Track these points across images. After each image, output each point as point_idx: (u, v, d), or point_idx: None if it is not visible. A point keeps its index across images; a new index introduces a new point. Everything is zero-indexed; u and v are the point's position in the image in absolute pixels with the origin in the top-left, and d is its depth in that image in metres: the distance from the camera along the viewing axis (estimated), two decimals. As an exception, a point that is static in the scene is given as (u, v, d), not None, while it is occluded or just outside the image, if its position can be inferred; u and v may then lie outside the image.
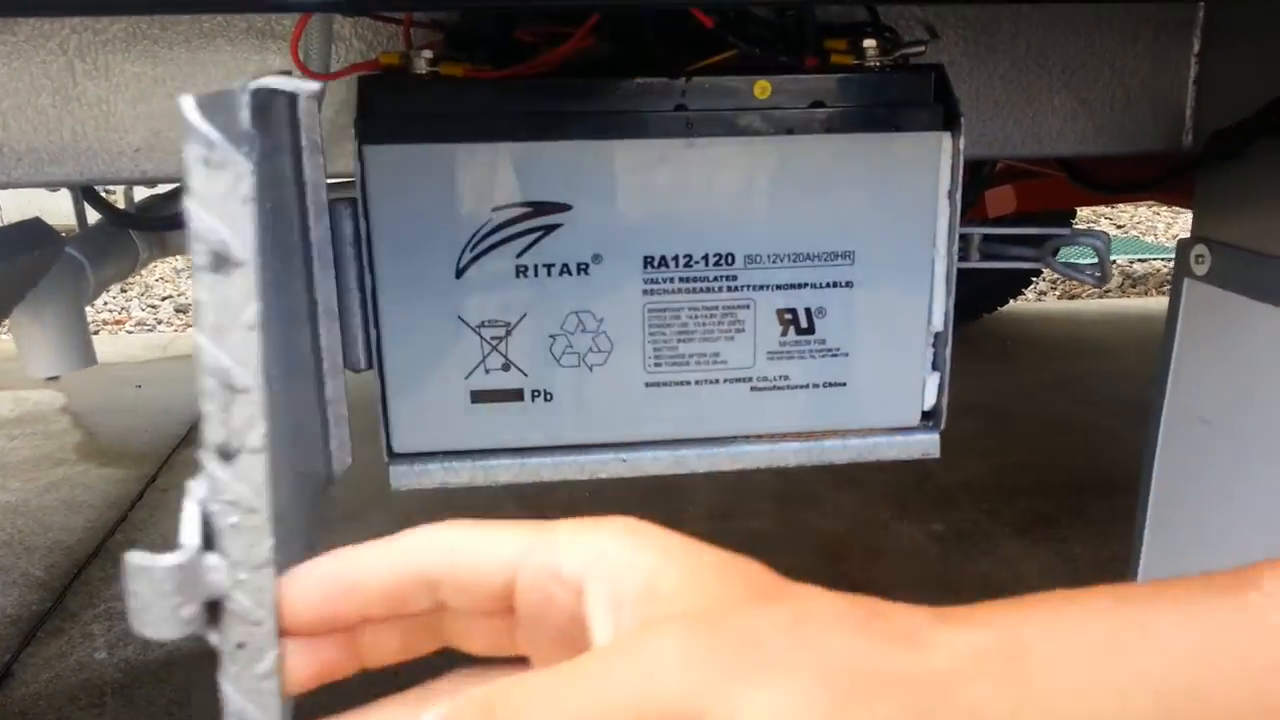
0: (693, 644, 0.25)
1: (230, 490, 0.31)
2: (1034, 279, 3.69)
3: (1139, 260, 4.38)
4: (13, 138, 0.87)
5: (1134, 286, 4.00)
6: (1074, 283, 4.15)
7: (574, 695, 0.24)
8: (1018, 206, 2.66)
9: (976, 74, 1.00)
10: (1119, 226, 5.10)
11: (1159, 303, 3.59)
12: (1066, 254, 0.97)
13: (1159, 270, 4.22)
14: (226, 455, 0.31)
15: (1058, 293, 3.87)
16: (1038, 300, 3.83)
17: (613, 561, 0.28)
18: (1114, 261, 4.43)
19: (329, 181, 0.76)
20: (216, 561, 0.29)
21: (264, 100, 0.49)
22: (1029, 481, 2.06)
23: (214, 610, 0.29)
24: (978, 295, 3.01)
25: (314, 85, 0.51)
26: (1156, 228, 5.05)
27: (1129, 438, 2.43)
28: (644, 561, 0.28)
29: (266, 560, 0.30)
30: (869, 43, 0.78)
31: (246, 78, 0.49)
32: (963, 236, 0.81)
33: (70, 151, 0.87)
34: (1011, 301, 3.51)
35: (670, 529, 0.29)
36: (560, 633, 0.28)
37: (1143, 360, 2.83)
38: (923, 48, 0.80)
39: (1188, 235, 1.02)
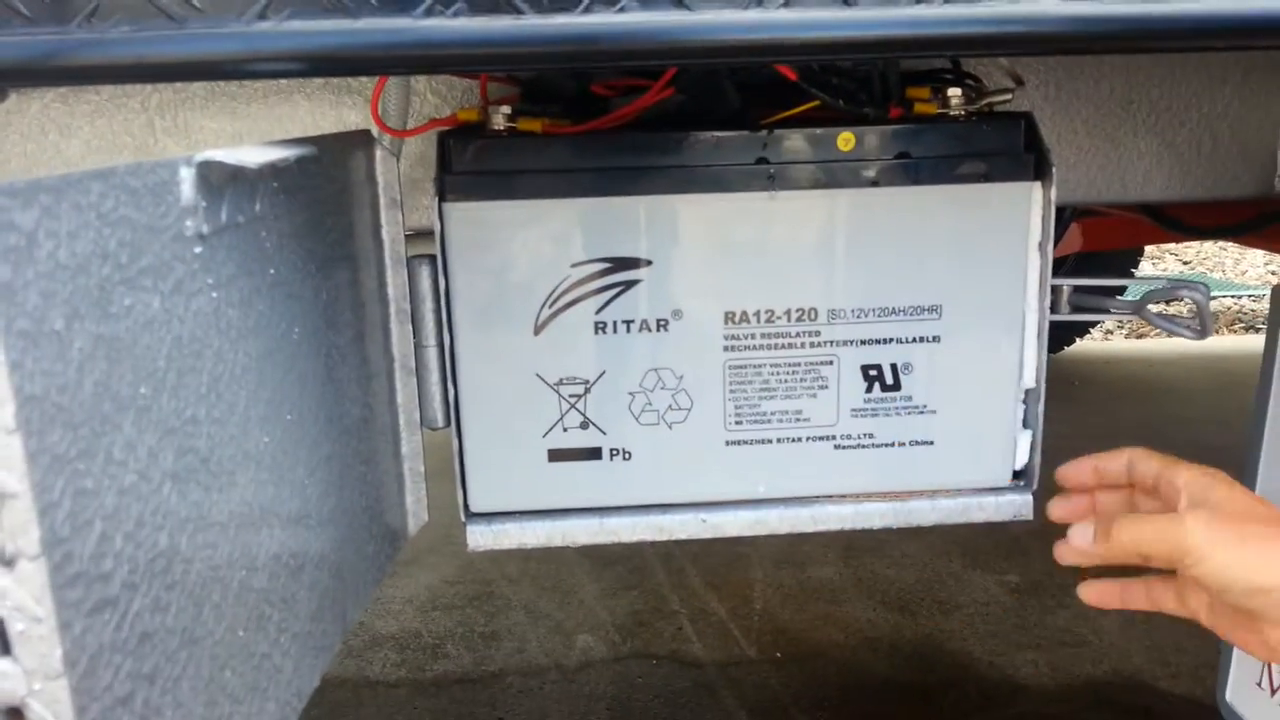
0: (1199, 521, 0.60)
1: (12, 596, 0.30)
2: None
3: (1207, 298, 4.27)
4: (96, 196, 0.88)
5: (1203, 325, 3.89)
6: (1144, 323, 4.06)
7: (1145, 527, 0.61)
8: (1084, 245, 2.61)
9: (1060, 119, 0.97)
10: (1185, 263, 4.99)
11: (1230, 342, 3.49)
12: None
13: (1229, 308, 4.11)
14: (6, 561, 0.30)
15: (1125, 331, 3.78)
16: (1105, 339, 3.74)
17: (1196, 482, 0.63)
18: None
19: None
20: (10, 668, 0.28)
21: (226, 171, 0.48)
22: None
23: (16, 717, 0.28)
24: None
25: (256, 161, 0.51)
26: (1224, 264, 4.93)
27: (1206, 484, 2.35)
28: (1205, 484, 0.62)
29: (59, 672, 0.29)
30: (953, 91, 0.76)
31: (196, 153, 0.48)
32: (1053, 288, 0.79)
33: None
34: (1078, 340, 3.44)
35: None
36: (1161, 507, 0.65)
37: (1216, 403, 2.75)
38: (1009, 95, 0.78)
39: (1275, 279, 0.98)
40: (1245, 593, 0.59)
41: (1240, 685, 1.01)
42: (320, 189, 0.64)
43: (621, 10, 0.49)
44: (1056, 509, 0.68)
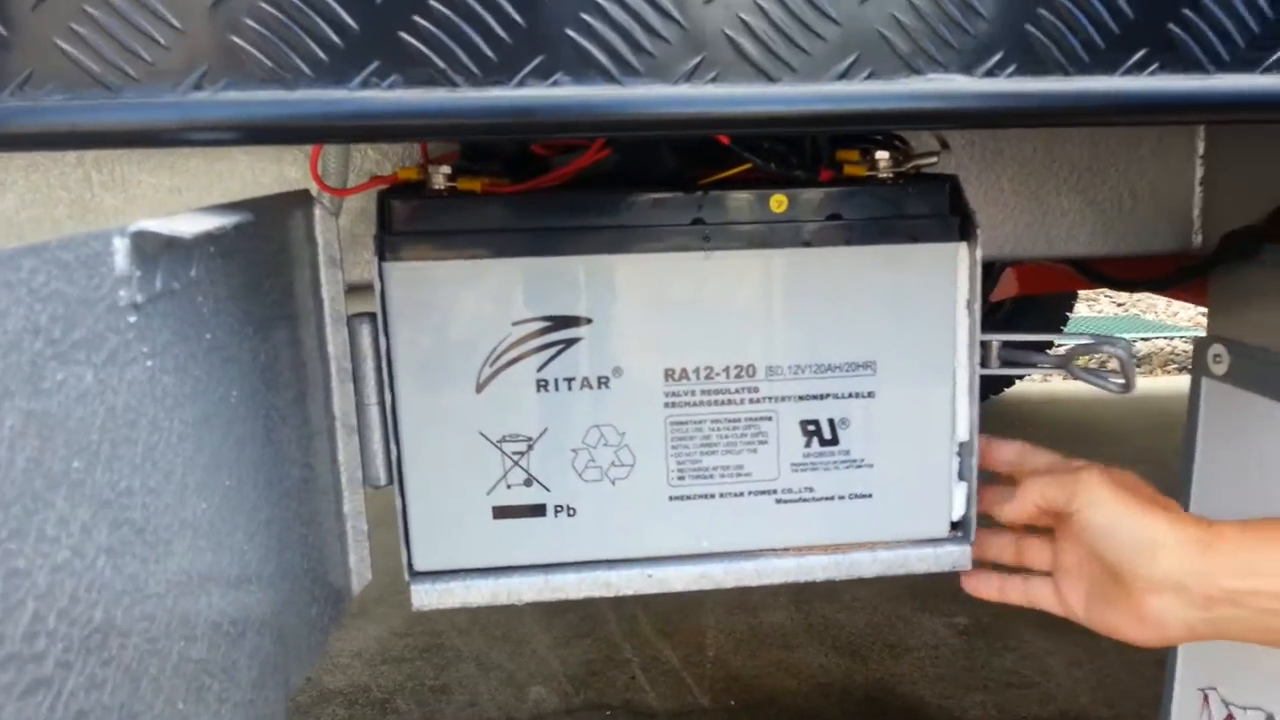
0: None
1: None
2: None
3: (1141, 339, 4.40)
4: (33, 257, 0.87)
5: (1138, 366, 4.00)
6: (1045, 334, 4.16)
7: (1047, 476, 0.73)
8: (1019, 289, 2.68)
9: (985, 177, 1.01)
10: (1119, 305, 5.13)
11: (1164, 383, 3.58)
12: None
13: (1161, 349, 4.23)
14: None
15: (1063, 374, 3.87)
16: (1045, 380, 3.82)
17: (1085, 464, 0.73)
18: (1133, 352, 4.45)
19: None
20: None
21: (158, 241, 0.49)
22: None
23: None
24: (983, 379, 3.00)
25: (191, 231, 0.51)
26: (1157, 305, 5.07)
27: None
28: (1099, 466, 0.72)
29: None
30: (881, 154, 0.79)
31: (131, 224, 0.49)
32: (982, 343, 0.81)
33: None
34: (1018, 383, 3.51)
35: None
36: None
37: (1150, 444, 2.82)
38: (935, 158, 0.81)
39: (1203, 334, 1.02)
40: (1128, 545, 0.66)
41: (1176, 726, 1.03)
42: (258, 250, 0.64)
43: (554, 84, 0.51)
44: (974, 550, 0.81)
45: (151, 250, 0.50)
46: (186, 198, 0.90)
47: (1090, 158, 1.02)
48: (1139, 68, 0.53)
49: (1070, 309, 3.12)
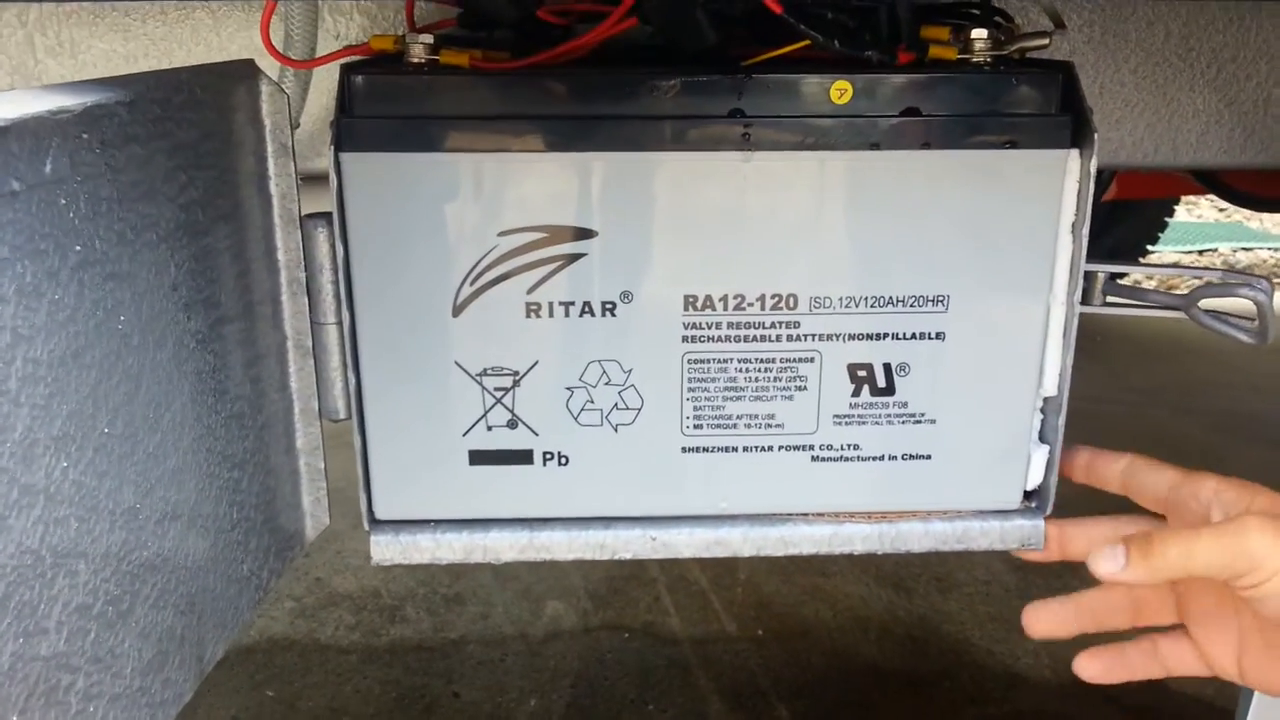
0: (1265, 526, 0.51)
1: None
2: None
3: (1243, 249, 4.09)
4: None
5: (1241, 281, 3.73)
6: (1171, 265, 3.89)
7: (1198, 538, 0.52)
8: (1117, 193, 2.44)
9: (1104, 67, 0.82)
10: (1220, 210, 4.78)
11: (1264, 299, 3.32)
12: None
13: (1265, 261, 3.94)
14: None
15: (1154, 282, 3.61)
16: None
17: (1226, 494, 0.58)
18: (1215, 250, 4.13)
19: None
20: None
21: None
22: (1116, 502, 1.88)
23: None
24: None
25: (29, 112, 0.38)
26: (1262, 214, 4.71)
27: (1232, 453, 2.21)
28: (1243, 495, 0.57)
29: None
30: (978, 33, 0.62)
31: None
32: (1086, 274, 0.65)
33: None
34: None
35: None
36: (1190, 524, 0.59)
37: (1249, 365, 2.60)
38: (1046, 40, 0.64)
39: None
40: None
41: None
42: (171, 136, 0.51)
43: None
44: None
45: (-39, 136, 0.37)
46: (142, 66, 0.76)
47: (1236, 46, 0.83)
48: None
49: (1170, 214, 2.86)
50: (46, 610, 0.42)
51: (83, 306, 0.44)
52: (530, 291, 0.61)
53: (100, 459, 0.45)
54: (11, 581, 0.40)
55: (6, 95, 0.41)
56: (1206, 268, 0.69)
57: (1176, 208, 3.01)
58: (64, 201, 0.43)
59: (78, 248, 0.44)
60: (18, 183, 0.40)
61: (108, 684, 0.46)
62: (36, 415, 0.41)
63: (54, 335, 0.42)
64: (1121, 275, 0.69)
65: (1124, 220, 2.61)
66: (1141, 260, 2.89)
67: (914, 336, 0.63)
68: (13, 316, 0.40)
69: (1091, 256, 0.64)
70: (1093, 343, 2.73)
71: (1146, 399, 2.37)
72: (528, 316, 0.61)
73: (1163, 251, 3.86)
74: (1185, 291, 0.68)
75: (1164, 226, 2.87)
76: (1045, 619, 0.65)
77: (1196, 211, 4.70)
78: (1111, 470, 0.66)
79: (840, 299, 0.62)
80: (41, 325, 0.41)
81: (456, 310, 0.61)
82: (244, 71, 0.58)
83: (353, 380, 0.61)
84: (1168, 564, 0.53)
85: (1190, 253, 4.07)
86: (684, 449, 0.65)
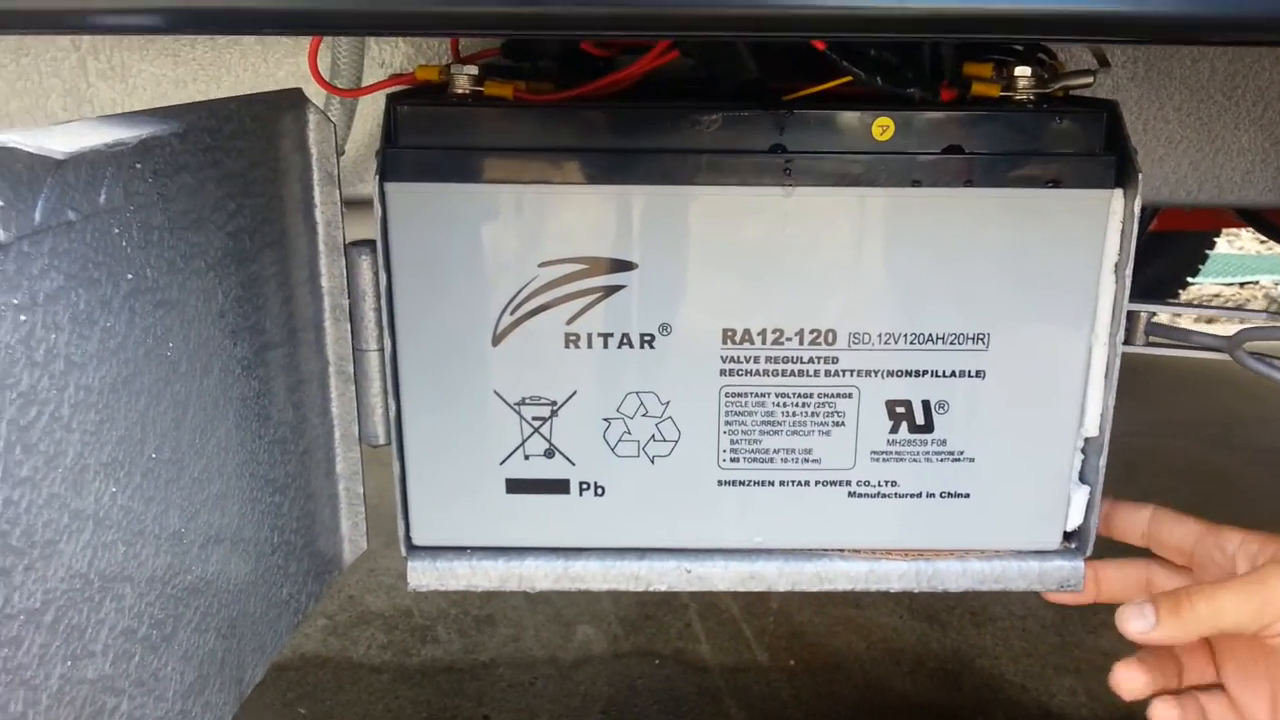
0: None
1: None
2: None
3: (1284, 281, 4.02)
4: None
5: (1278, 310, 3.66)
6: (1216, 305, 3.83)
7: (1225, 592, 0.52)
8: (1157, 225, 2.42)
9: (1147, 104, 0.82)
10: (1262, 242, 4.70)
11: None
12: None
13: (1308, 292, 3.87)
14: None
15: (1194, 315, 3.56)
16: (1174, 319, 3.53)
17: (1250, 546, 0.57)
18: (1257, 282, 4.07)
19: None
20: None
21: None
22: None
23: None
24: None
25: (67, 149, 0.38)
26: (1305, 244, 4.64)
27: (1271, 489, 2.17)
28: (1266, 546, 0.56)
29: None
30: (1021, 70, 0.62)
31: None
32: (1129, 315, 0.65)
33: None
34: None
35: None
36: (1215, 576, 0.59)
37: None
38: (1090, 79, 0.64)
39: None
40: None
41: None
42: (221, 165, 0.52)
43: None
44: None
45: (26, 172, 0.37)
46: (191, 90, 0.78)
47: (1283, 84, 0.82)
48: None
49: (1211, 246, 2.82)
50: (94, 634, 0.43)
51: (133, 334, 0.45)
52: (570, 322, 0.61)
53: (147, 484, 0.46)
54: (61, 605, 0.40)
55: (65, 128, 0.42)
56: (1252, 310, 0.68)
57: (1217, 240, 2.97)
58: (117, 230, 0.44)
59: (129, 276, 0.45)
60: (74, 213, 0.41)
61: (150, 707, 0.47)
62: (88, 441, 0.42)
63: (105, 362, 0.43)
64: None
65: (1164, 252, 2.58)
66: (1182, 298, 2.86)
67: (954, 374, 0.63)
68: (66, 344, 0.41)
69: (1133, 293, 0.63)
70: (1128, 375, 2.69)
71: (1183, 433, 2.33)
72: (566, 347, 0.62)
73: (1203, 283, 3.81)
74: (1224, 325, 0.67)
75: (1204, 259, 2.83)
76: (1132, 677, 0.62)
77: (1238, 243, 4.63)
78: (1133, 522, 0.65)
79: (879, 335, 0.62)
80: (94, 353, 0.42)
81: (496, 339, 0.61)
82: (292, 100, 0.60)
83: (393, 406, 0.62)
84: (1197, 620, 0.52)
85: (1231, 285, 4.01)
86: (720, 482, 0.65)
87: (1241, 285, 4.03)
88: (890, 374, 0.63)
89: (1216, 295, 3.99)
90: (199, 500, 0.50)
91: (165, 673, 0.48)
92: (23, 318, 0.38)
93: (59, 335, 0.40)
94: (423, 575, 0.65)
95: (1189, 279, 2.89)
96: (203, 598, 0.51)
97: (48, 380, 0.39)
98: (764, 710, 1.34)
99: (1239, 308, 3.79)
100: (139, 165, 0.45)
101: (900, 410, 0.64)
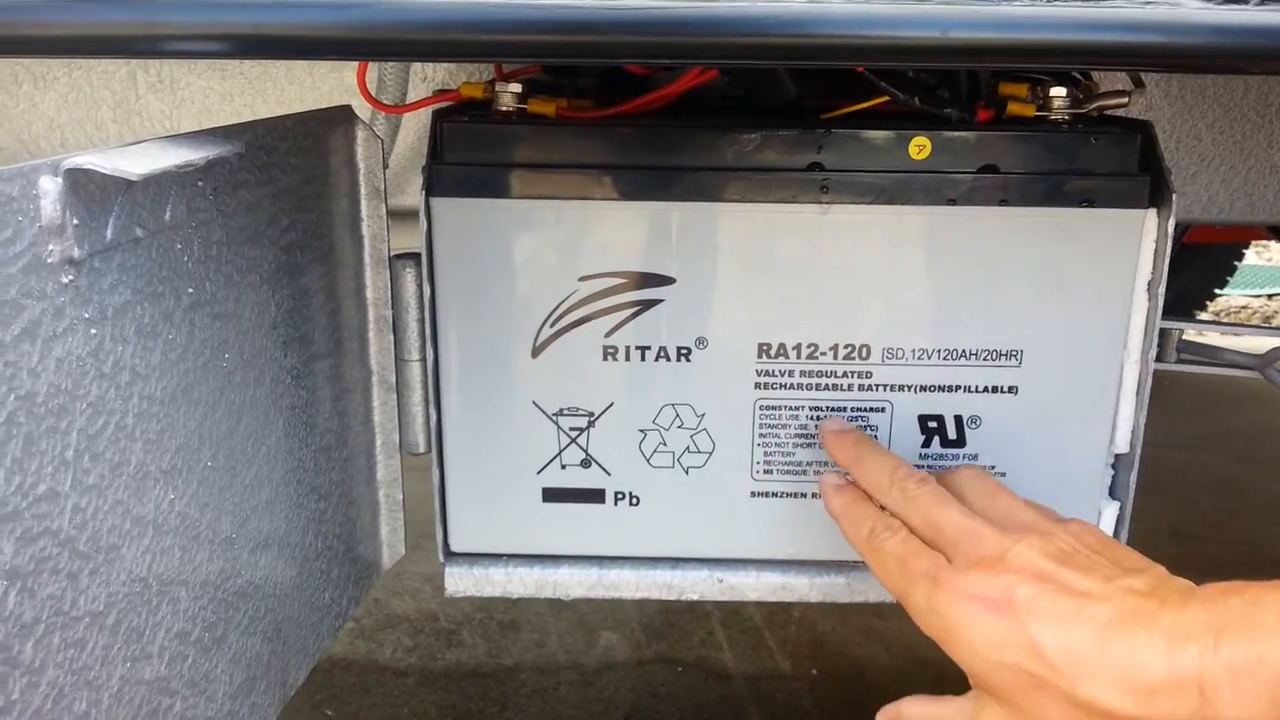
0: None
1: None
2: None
3: (1313, 294, 3.98)
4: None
5: (1306, 323, 3.63)
6: (1245, 320, 3.80)
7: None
8: (1186, 237, 2.40)
9: (1180, 122, 0.82)
10: (1290, 253, 4.66)
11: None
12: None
13: (1336, 306, 3.83)
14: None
15: (1221, 330, 3.54)
16: (1198, 335, 3.51)
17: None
18: (1284, 293, 4.03)
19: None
20: None
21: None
22: (1183, 552, 1.84)
23: None
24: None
25: (142, 170, 0.39)
26: (1334, 256, 4.59)
27: (1299, 505, 2.16)
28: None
29: None
30: (1057, 91, 0.63)
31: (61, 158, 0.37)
32: (1161, 332, 0.65)
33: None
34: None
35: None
36: None
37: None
38: (1125, 99, 0.64)
39: None
40: None
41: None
42: (276, 182, 0.53)
43: (621, -9, 0.37)
44: None
45: (99, 192, 0.39)
46: (237, 104, 0.80)
47: (1318, 103, 0.83)
48: None
49: (1240, 257, 2.80)
50: (151, 636, 0.44)
51: (193, 345, 0.46)
52: (608, 335, 0.62)
53: (203, 491, 0.48)
54: (122, 608, 0.42)
55: (135, 148, 0.44)
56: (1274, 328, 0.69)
57: (1246, 251, 2.95)
58: (180, 246, 0.45)
59: (190, 290, 0.46)
60: (141, 230, 0.42)
61: (201, 708, 0.48)
62: (149, 449, 0.43)
63: (167, 373, 0.44)
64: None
65: (1193, 264, 2.56)
66: (1210, 310, 2.84)
67: (986, 390, 0.64)
68: (132, 356, 0.42)
69: (1164, 311, 0.64)
70: (1157, 387, 2.68)
71: (1211, 445, 2.32)
72: (604, 359, 0.63)
73: (1231, 294, 3.79)
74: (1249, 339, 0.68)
75: (1233, 270, 2.81)
76: None
77: (1266, 255, 4.60)
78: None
79: (913, 351, 0.63)
80: (156, 364, 0.44)
81: (536, 351, 0.63)
82: (341, 117, 0.61)
83: (433, 416, 0.63)
84: None
85: (1259, 296, 3.98)
86: (753, 493, 0.66)
87: (1269, 297, 4.00)
88: (923, 389, 0.64)
89: (1244, 307, 3.96)
90: (249, 506, 0.52)
91: (215, 674, 0.49)
92: (93, 331, 0.39)
93: (125, 347, 0.41)
94: (460, 581, 0.67)
95: (1217, 290, 2.87)
96: (251, 601, 0.52)
97: (114, 391, 0.41)
98: (786, 718, 1.35)
99: (1270, 324, 3.76)
100: (200, 183, 0.46)
101: (933, 425, 0.64)
